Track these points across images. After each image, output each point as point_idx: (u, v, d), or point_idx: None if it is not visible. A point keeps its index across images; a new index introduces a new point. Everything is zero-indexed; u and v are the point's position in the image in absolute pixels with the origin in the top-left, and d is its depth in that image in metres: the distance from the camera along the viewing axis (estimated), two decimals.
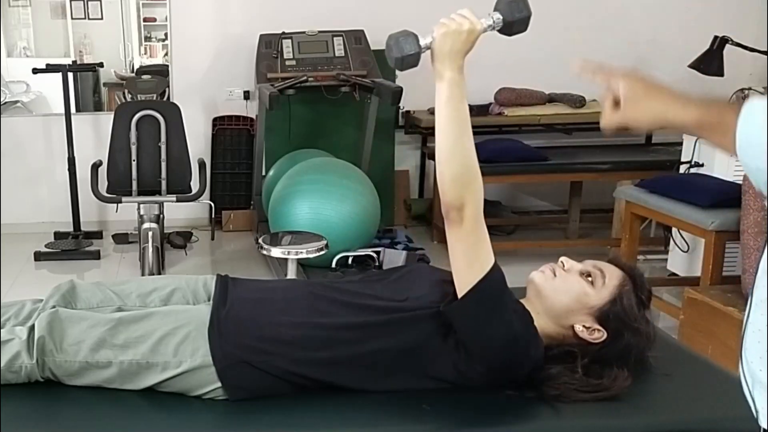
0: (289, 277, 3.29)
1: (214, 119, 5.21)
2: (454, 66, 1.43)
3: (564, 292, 1.57)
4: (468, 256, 1.46)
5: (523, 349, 1.50)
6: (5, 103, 5.34)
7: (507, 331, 1.47)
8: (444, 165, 1.44)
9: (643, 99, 1.21)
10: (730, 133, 1.02)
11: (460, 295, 1.47)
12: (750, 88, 5.05)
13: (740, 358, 0.99)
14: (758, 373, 0.94)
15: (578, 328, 1.56)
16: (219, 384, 1.53)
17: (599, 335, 1.56)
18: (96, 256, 4.67)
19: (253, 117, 5.16)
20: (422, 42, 1.43)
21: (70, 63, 5.13)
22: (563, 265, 1.62)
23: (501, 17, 1.45)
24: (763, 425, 0.93)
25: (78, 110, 5.27)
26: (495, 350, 1.48)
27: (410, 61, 1.43)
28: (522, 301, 1.65)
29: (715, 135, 1.08)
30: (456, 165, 1.43)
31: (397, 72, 4.93)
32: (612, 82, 1.27)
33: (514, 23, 1.45)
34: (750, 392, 0.97)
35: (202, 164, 4.13)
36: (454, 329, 1.53)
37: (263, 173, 4.79)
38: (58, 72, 4.79)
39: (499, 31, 1.48)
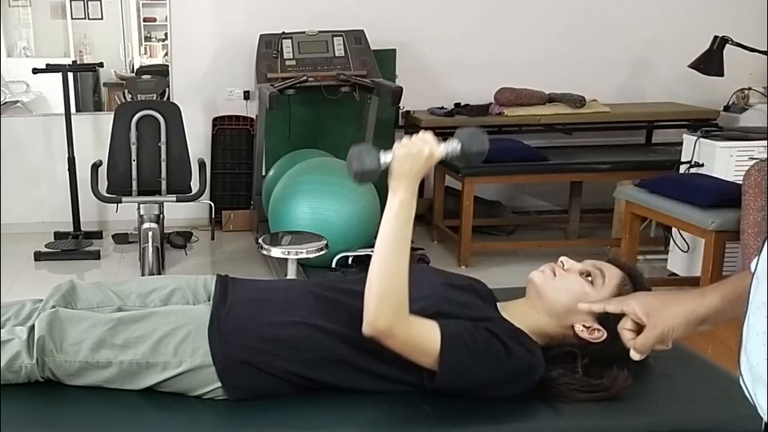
0: (289, 277, 3.29)
1: (214, 119, 5.21)
2: (409, 187, 1.48)
3: (564, 291, 1.57)
4: (416, 350, 1.47)
5: (518, 379, 1.50)
6: (5, 103, 5.34)
7: (495, 377, 1.48)
8: (375, 277, 1.46)
9: (663, 309, 1.22)
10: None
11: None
12: (750, 88, 5.07)
13: (740, 359, 0.99)
14: (765, 374, 0.94)
15: (578, 327, 1.56)
16: (219, 384, 1.53)
17: (599, 335, 1.56)
18: (96, 256, 4.67)
19: (253, 117, 5.16)
20: (383, 159, 1.48)
21: (70, 63, 5.13)
22: (563, 265, 1.62)
23: (460, 147, 1.51)
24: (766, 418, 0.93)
25: (78, 110, 5.27)
26: (494, 391, 1.50)
27: (369, 176, 1.48)
28: (521, 300, 1.66)
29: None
30: (386, 281, 1.45)
31: (397, 72, 4.95)
32: (625, 307, 1.28)
33: (471, 155, 1.51)
34: (751, 392, 0.97)
35: (202, 164, 4.13)
36: None
37: (263, 173, 4.79)
38: (58, 72, 4.79)
39: (456, 159, 1.54)
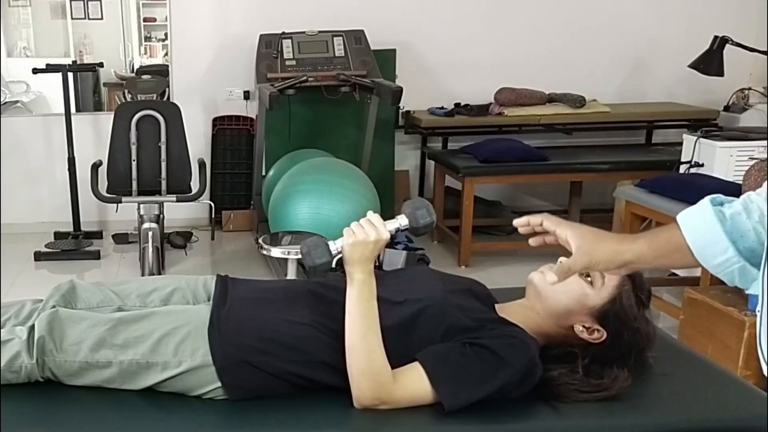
0: (289, 277, 3.29)
1: (214, 119, 5.21)
2: (364, 270, 1.51)
3: (563, 292, 1.57)
4: (414, 402, 1.49)
5: (518, 384, 1.50)
6: (5, 103, 5.34)
7: (498, 384, 1.48)
8: (352, 359, 1.49)
9: (594, 242, 1.25)
10: (683, 247, 1.09)
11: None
12: (750, 88, 5.06)
13: (762, 353, 1.02)
14: None
15: (578, 328, 1.57)
16: (219, 384, 1.54)
17: (599, 335, 1.56)
18: (96, 256, 4.67)
19: (253, 117, 5.16)
20: (333, 248, 1.53)
21: (70, 63, 5.13)
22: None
23: (407, 222, 1.55)
24: None
25: (78, 110, 5.27)
26: (507, 393, 1.50)
27: (323, 267, 1.53)
28: (521, 301, 1.66)
29: (673, 255, 1.15)
30: (363, 359, 1.48)
31: (397, 72, 4.96)
32: (559, 232, 1.31)
33: (418, 228, 1.56)
34: None
35: (202, 164, 4.13)
36: (454, 332, 1.53)
37: (263, 173, 4.79)
38: (58, 72, 4.79)
39: (407, 233, 1.59)
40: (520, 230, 1.40)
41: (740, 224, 1.08)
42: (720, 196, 1.13)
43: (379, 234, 1.51)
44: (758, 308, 1.03)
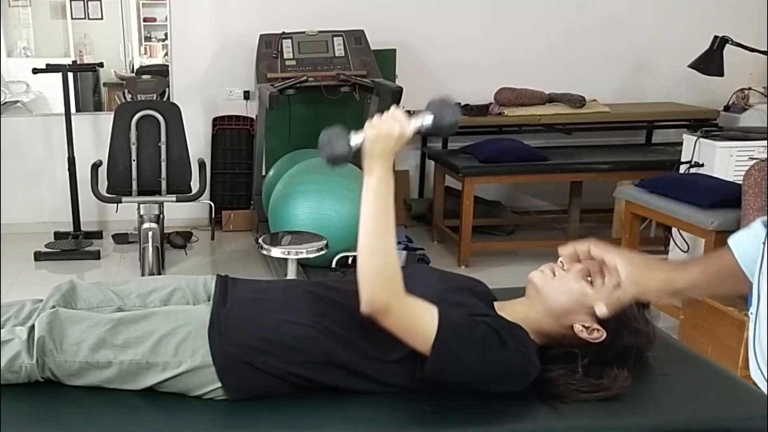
0: (289, 277, 3.29)
1: (214, 119, 5.21)
2: (384, 165, 1.46)
3: (563, 292, 1.57)
4: (411, 333, 1.47)
5: (511, 375, 1.50)
6: (5, 103, 5.34)
7: (487, 368, 1.47)
8: (366, 259, 1.45)
9: (645, 271, 1.23)
10: (736, 273, 1.06)
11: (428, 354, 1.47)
12: (750, 88, 5.06)
13: (755, 353, 1.01)
14: None
15: (578, 327, 1.56)
16: (219, 384, 1.53)
17: (599, 335, 1.56)
18: (96, 256, 4.67)
19: (253, 117, 5.16)
20: (353, 141, 1.47)
21: (70, 63, 5.13)
22: (562, 265, 1.62)
23: (432, 119, 1.48)
24: None
25: (78, 110, 5.27)
26: (488, 385, 1.50)
27: (342, 159, 1.47)
28: (521, 300, 1.66)
29: (727, 282, 1.12)
30: (379, 260, 1.45)
31: (397, 72, 4.95)
32: (608, 259, 1.28)
33: (443, 127, 1.49)
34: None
35: (202, 164, 4.13)
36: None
37: (263, 173, 4.79)
38: (58, 72, 4.79)
39: (429, 132, 1.52)
40: (564, 259, 1.36)
41: None
42: None
43: (402, 128, 1.46)
44: (751, 311, 1.02)
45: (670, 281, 1.20)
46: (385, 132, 1.45)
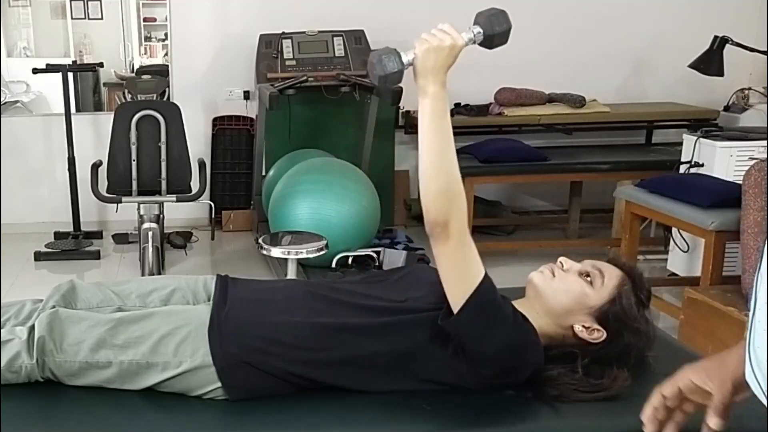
0: (289, 277, 3.29)
1: (214, 119, 5.21)
2: (437, 81, 1.43)
3: (563, 292, 1.57)
4: (457, 272, 1.45)
5: (522, 355, 1.49)
6: (5, 103, 5.34)
7: (505, 340, 1.46)
8: (429, 179, 1.43)
9: (720, 366, 1.18)
10: None
11: (454, 308, 1.46)
12: (750, 88, 5.07)
13: (749, 355, 0.98)
14: None
15: (578, 328, 1.56)
16: (219, 384, 1.53)
17: (599, 335, 1.56)
18: (96, 256, 4.67)
19: (253, 117, 5.16)
20: (404, 59, 1.44)
21: (70, 63, 5.14)
22: (562, 265, 1.62)
23: (482, 31, 1.47)
24: None
25: (78, 110, 5.27)
26: (494, 358, 1.48)
27: (394, 78, 1.43)
28: (521, 301, 1.65)
29: None
30: (442, 179, 1.42)
31: None
32: (680, 382, 1.24)
33: (494, 37, 1.47)
34: (763, 388, 0.97)
35: (202, 164, 4.13)
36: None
37: (263, 173, 4.79)
38: (58, 72, 4.80)
39: (480, 44, 1.50)
40: (649, 428, 1.29)
41: None
42: None
43: (454, 39, 1.42)
44: (751, 313, 1.01)
45: (733, 376, 1.15)
46: (436, 44, 1.42)
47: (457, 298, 1.45)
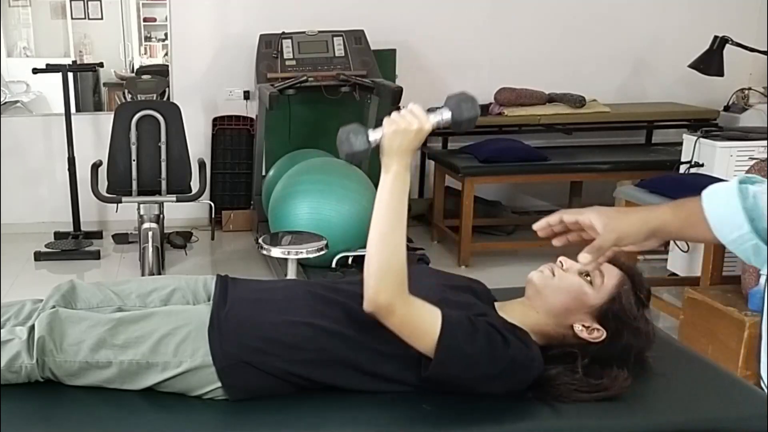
0: (289, 277, 3.29)
1: (214, 119, 5.21)
2: (402, 162, 1.46)
3: (563, 291, 1.57)
4: (415, 332, 1.47)
5: (515, 376, 1.50)
6: (5, 103, 5.34)
7: (492, 366, 1.47)
8: (373, 253, 1.46)
9: (618, 218, 1.25)
10: (705, 221, 1.08)
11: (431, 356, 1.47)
12: (750, 88, 5.07)
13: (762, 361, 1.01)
14: None
15: (578, 327, 1.56)
16: (219, 384, 1.53)
17: (599, 335, 1.56)
18: (96, 256, 4.67)
19: (253, 117, 5.16)
20: (372, 137, 1.47)
21: (70, 63, 5.14)
22: (562, 265, 1.62)
23: (450, 115, 1.49)
24: None
25: (78, 110, 5.27)
26: (492, 384, 1.49)
27: (360, 156, 1.47)
28: (521, 301, 1.66)
29: (697, 227, 1.15)
30: (385, 254, 1.45)
31: (397, 72, 4.95)
32: (581, 219, 1.30)
33: (462, 123, 1.49)
34: None
35: (202, 164, 4.13)
36: None
37: (263, 173, 4.79)
38: (58, 72, 4.79)
39: (448, 127, 1.52)
40: (540, 234, 1.38)
41: (762, 203, 1.06)
42: (755, 176, 1.11)
43: (421, 123, 1.46)
44: (763, 315, 1.03)
45: (644, 222, 1.23)
46: (403, 127, 1.45)
47: (428, 350, 1.46)
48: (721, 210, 1.07)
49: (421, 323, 1.46)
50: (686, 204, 1.18)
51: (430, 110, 1.49)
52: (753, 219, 1.05)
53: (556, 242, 1.37)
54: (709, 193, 1.12)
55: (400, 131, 1.45)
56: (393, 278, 1.45)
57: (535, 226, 1.38)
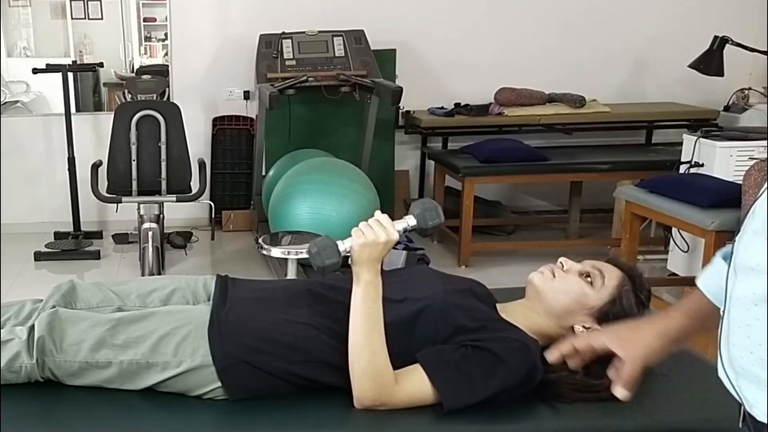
0: (289, 277, 3.29)
1: (214, 119, 5.21)
2: (372, 270, 1.52)
3: (563, 292, 1.57)
4: (412, 402, 1.50)
5: (515, 392, 1.50)
6: (5, 103, 5.34)
7: (498, 385, 1.48)
8: (355, 359, 1.49)
9: (635, 338, 1.24)
10: (712, 311, 1.07)
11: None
12: (750, 88, 5.07)
13: (720, 352, 1.02)
14: (751, 368, 0.96)
15: (578, 328, 1.56)
16: (219, 384, 1.54)
17: None
18: (96, 256, 4.67)
19: (253, 117, 5.16)
20: (342, 247, 1.53)
21: (70, 63, 5.14)
22: (562, 266, 1.62)
23: (416, 222, 1.56)
24: (762, 419, 0.94)
25: (78, 110, 5.27)
26: (506, 396, 1.50)
27: (331, 268, 1.52)
28: (521, 301, 1.66)
29: (707, 320, 1.15)
30: (365, 358, 1.48)
31: (397, 72, 4.95)
32: (595, 345, 1.30)
33: (426, 230, 1.56)
34: (734, 385, 1.00)
35: (202, 164, 4.13)
36: (452, 333, 1.54)
37: (263, 173, 4.79)
38: (58, 72, 4.79)
39: (414, 233, 1.59)
40: (554, 361, 1.42)
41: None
42: (729, 249, 1.11)
43: (388, 235, 1.52)
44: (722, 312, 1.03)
45: (662, 337, 1.22)
46: (372, 239, 1.51)
47: (434, 399, 1.49)
48: (716, 278, 1.07)
49: (414, 396, 1.49)
50: (691, 302, 1.17)
51: (397, 218, 1.57)
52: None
53: (572, 364, 1.41)
54: (701, 278, 1.12)
55: (369, 243, 1.50)
56: (376, 380, 1.48)
57: (550, 359, 1.43)
